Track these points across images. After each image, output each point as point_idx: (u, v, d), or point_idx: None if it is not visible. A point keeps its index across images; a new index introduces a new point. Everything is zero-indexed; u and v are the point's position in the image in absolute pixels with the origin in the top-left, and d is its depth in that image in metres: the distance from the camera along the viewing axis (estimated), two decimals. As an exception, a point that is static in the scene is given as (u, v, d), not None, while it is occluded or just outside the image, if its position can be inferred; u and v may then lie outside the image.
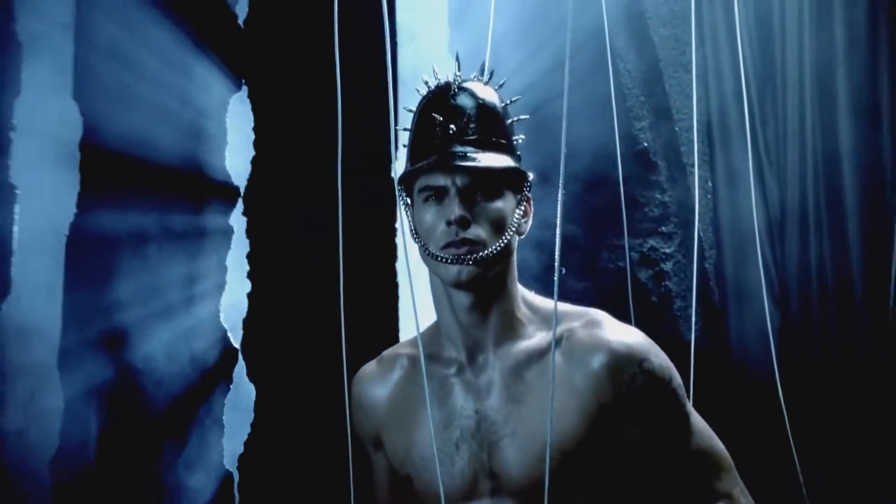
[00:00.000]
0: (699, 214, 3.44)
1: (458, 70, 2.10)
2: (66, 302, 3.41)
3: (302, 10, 3.72)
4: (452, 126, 2.00)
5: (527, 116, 2.13)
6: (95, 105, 3.55)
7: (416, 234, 2.04)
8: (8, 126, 3.38)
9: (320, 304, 2.94)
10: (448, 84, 2.06)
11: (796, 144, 3.84)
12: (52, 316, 3.40)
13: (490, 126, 2.02)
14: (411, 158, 2.06)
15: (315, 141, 3.57)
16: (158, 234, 3.61)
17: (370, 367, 2.23)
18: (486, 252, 1.97)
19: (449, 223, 1.97)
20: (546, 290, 2.11)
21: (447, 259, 1.98)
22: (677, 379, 2.03)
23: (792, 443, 2.77)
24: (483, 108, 2.03)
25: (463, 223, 1.96)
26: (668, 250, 3.56)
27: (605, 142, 3.06)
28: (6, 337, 3.30)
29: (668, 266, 3.54)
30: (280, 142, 3.76)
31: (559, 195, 1.98)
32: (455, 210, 1.96)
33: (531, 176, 2.09)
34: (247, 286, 3.70)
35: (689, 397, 2.10)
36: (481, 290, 2.03)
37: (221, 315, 3.70)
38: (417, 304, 2.01)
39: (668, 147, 3.55)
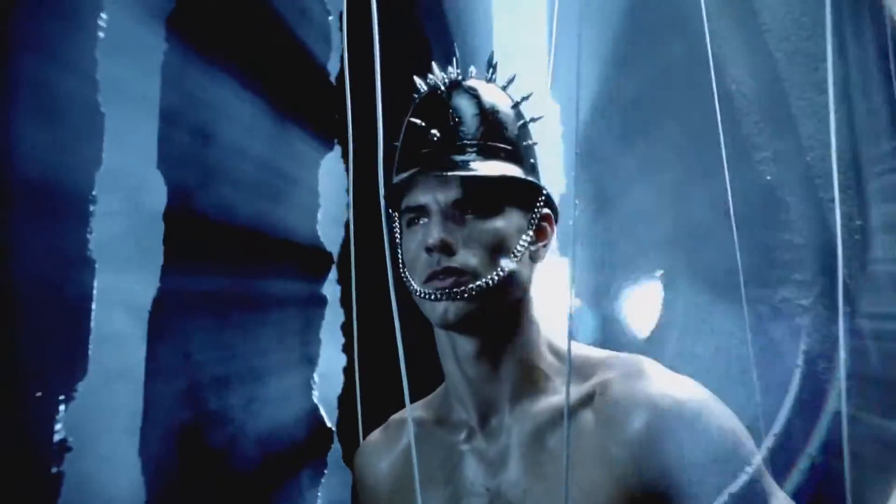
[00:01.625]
0: (844, 259, 2.85)
1: (457, 66, 1.73)
2: (147, 386, 3.20)
3: (396, 64, 3.45)
4: (435, 131, 1.63)
5: (542, 116, 1.73)
6: (180, 174, 3.38)
7: (403, 266, 1.67)
8: (88, 198, 3.25)
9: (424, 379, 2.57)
10: (438, 84, 1.70)
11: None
12: (131, 400, 3.20)
13: (489, 129, 1.64)
14: (395, 174, 1.70)
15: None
16: (246, 307, 3.36)
17: (375, 435, 1.86)
18: (476, 284, 1.56)
19: (429, 250, 1.59)
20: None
21: (429, 295, 1.59)
22: (748, 445, 1.53)
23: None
24: (481, 108, 1.65)
25: (445, 249, 1.58)
26: (804, 302, 2.98)
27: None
28: (81, 421, 3.11)
29: (805, 320, 2.96)
30: (377, 204, 3.46)
31: (573, 210, 1.56)
32: (433, 233, 1.58)
33: (546, 190, 1.68)
34: (342, 360, 3.39)
35: (845, 484, 1.60)
36: (485, 333, 1.63)
37: (315, 392, 3.40)
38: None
39: (799, 180, 3.01)
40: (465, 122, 1.64)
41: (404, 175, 1.63)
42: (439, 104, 1.67)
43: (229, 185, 3.40)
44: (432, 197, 1.61)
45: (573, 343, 1.68)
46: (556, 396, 1.63)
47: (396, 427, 1.83)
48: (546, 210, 1.68)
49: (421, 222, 1.64)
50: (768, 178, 3.07)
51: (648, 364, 1.60)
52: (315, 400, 3.40)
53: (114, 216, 3.32)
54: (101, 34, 3.26)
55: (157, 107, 3.43)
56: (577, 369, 1.64)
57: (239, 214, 3.38)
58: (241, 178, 3.43)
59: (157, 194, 3.38)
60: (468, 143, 1.62)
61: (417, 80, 1.74)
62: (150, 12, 3.40)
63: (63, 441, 3.01)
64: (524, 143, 1.68)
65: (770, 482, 1.56)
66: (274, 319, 3.39)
